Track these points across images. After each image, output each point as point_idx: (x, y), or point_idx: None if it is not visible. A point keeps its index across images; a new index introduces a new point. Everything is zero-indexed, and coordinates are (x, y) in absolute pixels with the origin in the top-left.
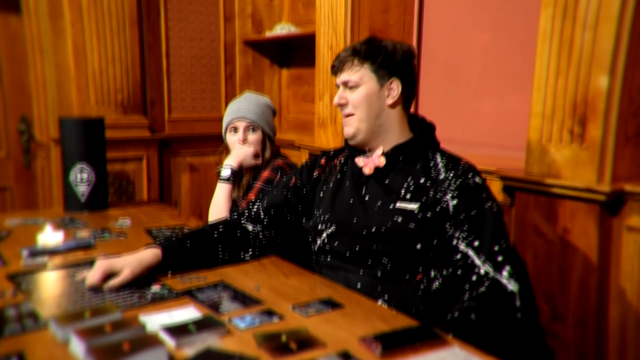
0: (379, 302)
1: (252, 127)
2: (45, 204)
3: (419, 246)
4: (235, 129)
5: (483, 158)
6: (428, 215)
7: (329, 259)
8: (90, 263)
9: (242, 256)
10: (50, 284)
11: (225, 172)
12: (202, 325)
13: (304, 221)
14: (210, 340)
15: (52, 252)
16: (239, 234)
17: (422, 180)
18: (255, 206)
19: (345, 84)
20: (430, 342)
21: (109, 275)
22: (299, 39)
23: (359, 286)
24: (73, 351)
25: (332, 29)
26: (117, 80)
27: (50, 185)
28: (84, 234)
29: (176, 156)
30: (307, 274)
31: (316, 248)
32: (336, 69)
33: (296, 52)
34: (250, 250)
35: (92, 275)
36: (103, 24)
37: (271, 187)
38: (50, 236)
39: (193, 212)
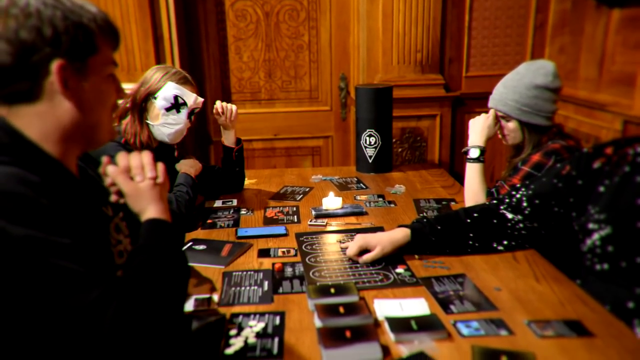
0: None
1: (504, 117)
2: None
3: None
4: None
5: None
6: None
7: (598, 267)
8: (355, 231)
9: (495, 246)
10: (323, 247)
11: (473, 152)
12: (424, 324)
13: (573, 215)
14: (427, 343)
15: (331, 215)
16: (495, 222)
17: None
18: (519, 193)
19: None
20: None
21: (365, 250)
22: None
23: (630, 306)
24: (315, 322)
25: None
26: (417, 40)
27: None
28: (361, 197)
29: (471, 114)
30: (565, 282)
31: (585, 249)
32: None
33: None
34: (505, 240)
35: (350, 248)
36: None
37: (540, 173)
38: (331, 201)
39: (487, 169)
